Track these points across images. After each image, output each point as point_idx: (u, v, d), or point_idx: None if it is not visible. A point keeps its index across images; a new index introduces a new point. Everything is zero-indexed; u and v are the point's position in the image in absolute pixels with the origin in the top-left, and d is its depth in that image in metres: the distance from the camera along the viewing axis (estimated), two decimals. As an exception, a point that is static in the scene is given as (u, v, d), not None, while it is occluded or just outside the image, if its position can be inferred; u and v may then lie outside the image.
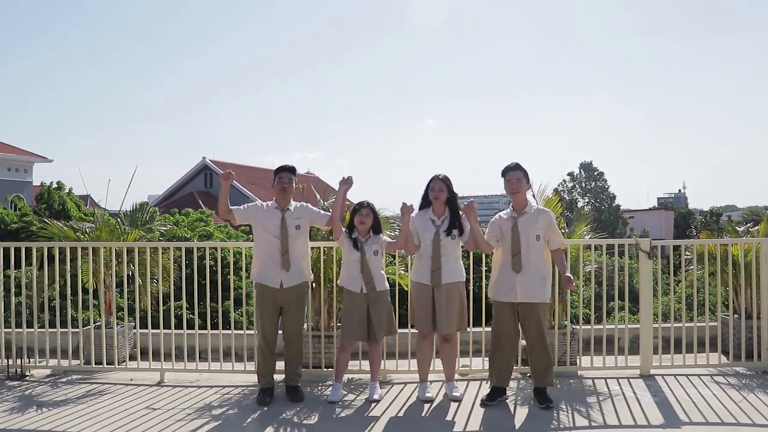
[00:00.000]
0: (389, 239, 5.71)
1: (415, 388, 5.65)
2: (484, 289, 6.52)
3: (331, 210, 5.80)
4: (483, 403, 5.28)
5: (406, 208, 5.40)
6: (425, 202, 5.51)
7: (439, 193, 5.40)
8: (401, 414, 5.14)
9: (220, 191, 5.48)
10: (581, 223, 6.77)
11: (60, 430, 4.85)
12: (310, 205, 5.68)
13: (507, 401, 5.36)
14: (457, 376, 5.86)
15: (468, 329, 6.02)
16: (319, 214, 5.65)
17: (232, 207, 5.58)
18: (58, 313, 6.38)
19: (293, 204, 5.59)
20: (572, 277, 5.25)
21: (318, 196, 6.86)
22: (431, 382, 5.67)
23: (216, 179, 35.75)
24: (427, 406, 5.32)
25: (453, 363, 5.65)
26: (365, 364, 6.08)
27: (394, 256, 6.59)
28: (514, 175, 5.31)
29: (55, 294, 6.41)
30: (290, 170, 5.59)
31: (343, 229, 5.57)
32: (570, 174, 61.22)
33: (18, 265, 6.59)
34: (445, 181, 5.44)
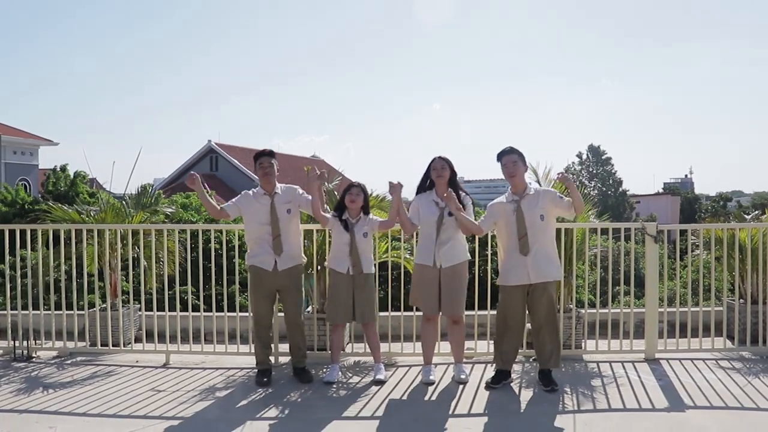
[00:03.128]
0: (380, 219, 5.71)
1: (420, 370, 5.65)
2: (489, 273, 6.51)
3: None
4: (488, 386, 5.29)
5: (394, 186, 5.43)
6: (426, 183, 5.50)
7: (442, 172, 5.39)
8: (406, 396, 5.16)
9: (200, 196, 5.52)
10: (585, 206, 6.74)
11: (66, 411, 4.88)
12: (297, 188, 5.69)
13: (512, 384, 5.36)
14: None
15: (474, 312, 6.03)
16: (305, 199, 5.62)
17: (221, 205, 5.64)
18: (63, 295, 6.39)
19: (279, 186, 5.60)
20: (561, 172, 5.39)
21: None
22: (436, 365, 5.68)
23: (222, 162, 35.75)
24: (431, 388, 5.33)
25: (462, 345, 5.66)
26: (370, 347, 6.09)
27: (398, 239, 6.57)
28: (510, 158, 5.28)
29: (61, 276, 6.42)
30: (269, 154, 5.60)
31: (330, 214, 5.59)
32: (578, 156, 60.89)
33: (24, 247, 6.61)
34: (447, 161, 5.44)
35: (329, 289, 5.66)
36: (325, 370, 5.68)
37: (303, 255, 5.81)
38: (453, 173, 5.46)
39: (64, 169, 22.66)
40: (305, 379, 5.51)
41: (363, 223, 5.54)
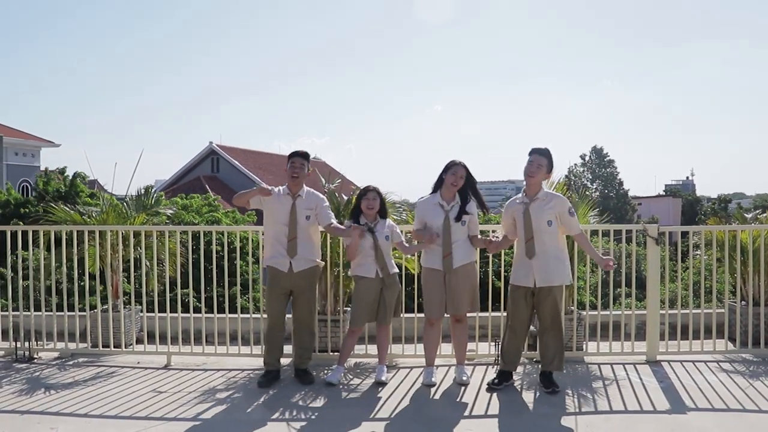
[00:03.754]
0: (404, 239, 5.71)
1: (421, 372, 5.65)
2: (490, 274, 6.51)
3: (336, 220, 5.72)
4: (489, 387, 5.29)
5: (429, 239, 5.33)
6: (438, 186, 5.47)
7: (459, 180, 5.35)
8: (408, 398, 5.15)
9: (250, 192, 5.54)
10: (584, 207, 6.72)
11: (67, 412, 4.89)
12: (323, 198, 5.68)
13: (513, 385, 5.36)
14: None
15: (475, 314, 6.02)
16: (325, 213, 5.58)
17: None
18: (65, 297, 6.39)
19: (304, 190, 5.58)
20: (611, 258, 5.29)
21: (323, 180, 6.86)
22: (437, 366, 5.67)
23: (223, 164, 35.73)
24: (433, 390, 5.33)
25: (464, 346, 5.65)
26: (371, 348, 6.09)
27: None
28: (537, 159, 5.22)
29: (62, 277, 6.42)
30: (303, 155, 5.58)
31: (347, 222, 5.60)
32: (581, 157, 60.70)
33: (25, 248, 6.62)
34: (467, 169, 5.40)
35: (355, 294, 5.62)
36: (326, 371, 5.67)
37: (320, 258, 5.78)
38: (468, 182, 5.41)
39: (63, 171, 22.71)
40: (307, 381, 5.51)
41: (382, 226, 5.54)
